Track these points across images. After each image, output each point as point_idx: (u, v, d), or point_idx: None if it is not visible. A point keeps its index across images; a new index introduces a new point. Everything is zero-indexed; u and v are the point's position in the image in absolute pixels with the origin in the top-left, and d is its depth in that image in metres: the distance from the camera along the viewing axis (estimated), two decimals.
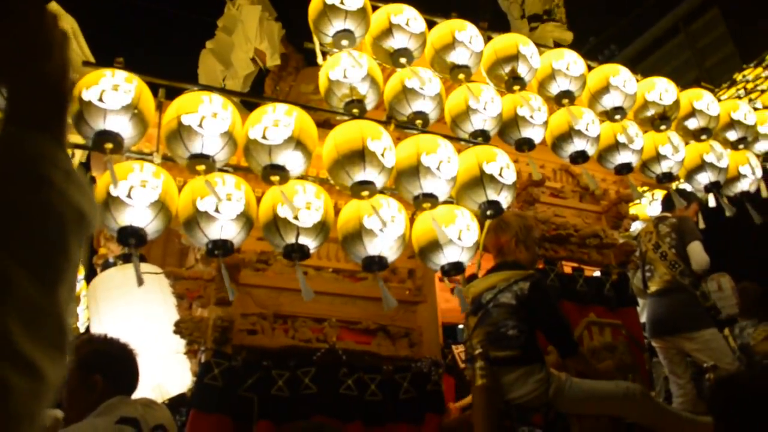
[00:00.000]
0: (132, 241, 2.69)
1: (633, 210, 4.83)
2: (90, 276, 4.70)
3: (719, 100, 4.36)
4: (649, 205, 5.27)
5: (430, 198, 3.05)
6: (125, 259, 3.90)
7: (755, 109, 4.39)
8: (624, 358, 3.82)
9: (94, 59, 3.70)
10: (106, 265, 3.88)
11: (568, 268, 4.31)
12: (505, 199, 3.19)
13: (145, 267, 3.81)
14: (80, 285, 4.58)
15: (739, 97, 5.18)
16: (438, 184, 3.04)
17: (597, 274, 4.43)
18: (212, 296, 3.43)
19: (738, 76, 5.63)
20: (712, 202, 4.19)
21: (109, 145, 2.68)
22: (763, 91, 4.82)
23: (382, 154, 2.92)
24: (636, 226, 5.06)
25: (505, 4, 5.03)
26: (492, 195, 3.15)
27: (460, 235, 3.10)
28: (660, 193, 5.24)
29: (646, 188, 5.11)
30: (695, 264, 4.20)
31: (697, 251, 4.19)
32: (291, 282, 3.57)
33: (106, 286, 3.74)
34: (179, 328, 3.37)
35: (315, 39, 3.50)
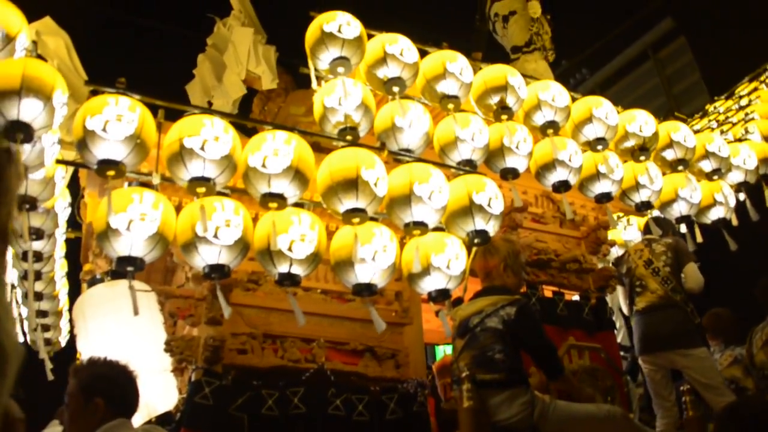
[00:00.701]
0: (130, 269, 2.74)
1: (609, 236, 4.98)
2: (74, 290, 4.71)
3: (694, 132, 4.55)
4: (624, 231, 5.43)
5: (421, 225, 3.15)
6: (113, 275, 3.93)
7: (728, 141, 4.57)
8: (604, 381, 3.95)
9: (87, 76, 3.76)
10: (93, 281, 3.90)
11: (548, 291, 4.45)
12: (492, 228, 3.30)
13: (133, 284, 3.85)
14: (63, 300, 4.59)
15: (711, 129, 5.38)
16: (429, 213, 3.14)
17: (576, 298, 4.56)
18: (203, 315, 3.48)
19: (709, 107, 5.84)
20: (683, 229, 4.36)
21: (111, 173, 2.73)
22: (734, 124, 5.01)
23: (375, 184, 3.01)
24: (614, 251, 5.21)
25: (498, 39, 5.18)
26: (480, 224, 3.26)
27: (448, 264, 3.19)
28: (635, 219, 5.42)
29: (621, 214, 5.27)
30: (693, 284, 4.34)
31: (694, 272, 4.34)
32: (280, 302, 3.64)
33: (94, 302, 3.76)
34: (170, 347, 3.41)
35: (310, 64, 3.58)
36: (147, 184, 2.92)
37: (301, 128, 3.50)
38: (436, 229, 3.27)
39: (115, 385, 2.33)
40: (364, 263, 3.02)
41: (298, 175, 2.89)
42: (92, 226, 4.06)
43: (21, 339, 5.05)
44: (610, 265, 4.83)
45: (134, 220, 2.70)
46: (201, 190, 2.82)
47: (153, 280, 4.34)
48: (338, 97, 3.39)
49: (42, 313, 4.39)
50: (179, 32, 5.81)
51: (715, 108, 5.69)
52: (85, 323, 3.75)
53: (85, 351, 3.76)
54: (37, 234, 3.50)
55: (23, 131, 2.72)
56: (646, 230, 4.81)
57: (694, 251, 4.34)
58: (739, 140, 4.74)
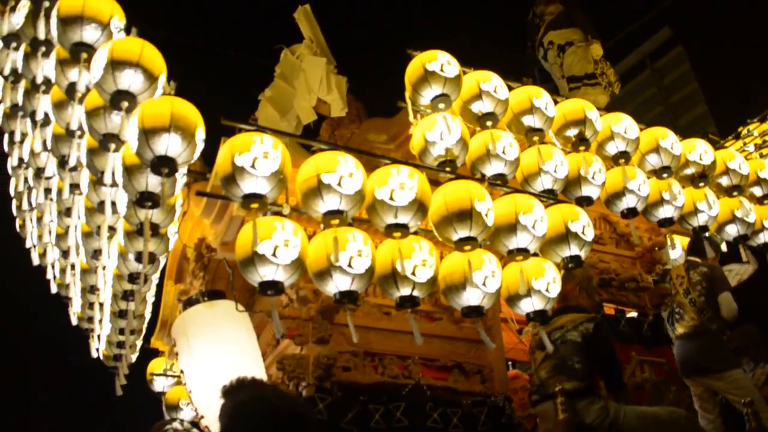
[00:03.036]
0: (270, 292, 2.96)
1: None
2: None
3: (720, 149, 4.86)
4: (671, 250, 5.72)
5: (524, 252, 3.41)
6: (210, 296, 4.13)
7: None
8: (668, 393, 4.26)
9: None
10: (190, 302, 4.09)
11: (609, 309, 4.73)
12: (584, 253, 3.58)
13: (230, 304, 4.07)
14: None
15: (748, 152, 5.71)
16: (531, 240, 3.40)
17: (633, 314, 4.85)
18: (311, 335, 3.70)
19: (742, 130, 6.16)
20: (744, 256, 4.68)
21: (255, 205, 2.95)
22: None
23: (486, 214, 3.26)
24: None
25: (547, 66, 5.47)
26: (575, 250, 3.53)
27: (548, 287, 3.46)
28: (678, 239, 5.71)
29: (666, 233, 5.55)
30: (726, 313, 4.66)
31: (728, 301, 4.66)
32: (378, 322, 3.91)
33: (196, 322, 3.95)
34: (282, 365, 3.63)
35: (407, 98, 3.82)
36: (278, 213, 3.13)
37: (377, 153, 3.75)
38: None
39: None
40: (475, 288, 3.27)
41: (421, 206, 3.14)
42: (193, 248, 4.26)
43: (95, 355, 5.23)
44: (666, 283, 5.12)
45: (279, 246, 2.92)
46: (335, 222, 3.05)
47: (239, 300, 4.54)
48: (440, 131, 3.64)
49: (122, 331, 4.57)
50: (241, 58, 6.01)
51: (749, 131, 6.00)
52: (187, 342, 3.94)
53: (188, 368, 3.95)
54: (151, 258, 3.70)
55: (168, 166, 2.93)
56: (690, 251, 5.12)
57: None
58: None
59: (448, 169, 3.65)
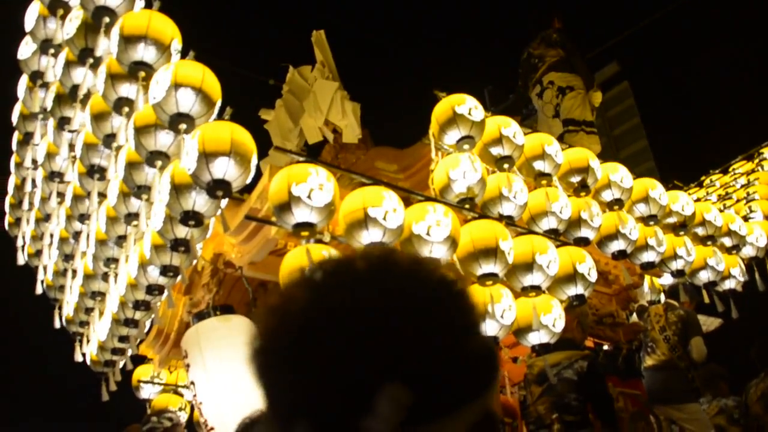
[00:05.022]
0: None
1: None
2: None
3: (694, 201, 5.31)
4: (646, 289, 6.14)
5: (536, 289, 3.68)
6: (222, 310, 4.23)
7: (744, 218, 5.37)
8: (646, 423, 4.61)
9: None
10: (201, 315, 4.17)
11: (588, 342, 5.06)
12: (588, 293, 3.88)
13: (243, 319, 4.19)
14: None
15: (712, 201, 6.20)
16: (544, 279, 3.68)
17: (605, 347, 5.21)
18: None
19: (705, 180, 6.67)
20: (706, 298, 5.11)
21: (305, 233, 3.12)
22: (737, 201, 5.84)
23: (508, 253, 3.52)
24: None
25: (539, 103, 5.79)
26: (580, 290, 3.84)
27: (554, 322, 3.75)
28: (652, 279, 6.14)
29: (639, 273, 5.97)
30: (696, 355, 5.09)
31: (699, 345, 5.09)
32: None
33: (210, 336, 4.04)
34: None
35: (431, 136, 4.04)
36: (320, 241, 3.29)
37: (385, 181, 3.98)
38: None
39: None
40: (494, 320, 3.52)
41: (454, 243, 3.37)
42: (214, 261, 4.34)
43: (81, 359, 5.20)
44: (634, 317, 5.51)
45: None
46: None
47: (239, 313, 4.64)
48: (463, 171, 3.87)
49: (124, 339, 4.60)
50: (243, 75, 6.11)
51: (711, 181, 6.51)
52: (201, 354, 4.01)
53: (201, 380, 4.03)
54: (176, 272, 3.79)
55: (224, 189, 3.07)
56: (668, 294, 5.57)
57: (720, 314, 5.08)
58: (745, 218, 5.53)
59: (467, 206, 3.88)
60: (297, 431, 0.60)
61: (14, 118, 4.48)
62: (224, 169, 3.03)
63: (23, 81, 4.24)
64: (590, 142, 5.39)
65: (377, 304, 0.63)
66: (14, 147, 4.70)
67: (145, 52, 3.18)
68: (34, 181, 4.65)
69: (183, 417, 4.65)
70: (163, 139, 3.28)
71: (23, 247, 5.31)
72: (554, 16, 6.06)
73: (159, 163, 3.30)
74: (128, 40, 3.16)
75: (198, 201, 3.21)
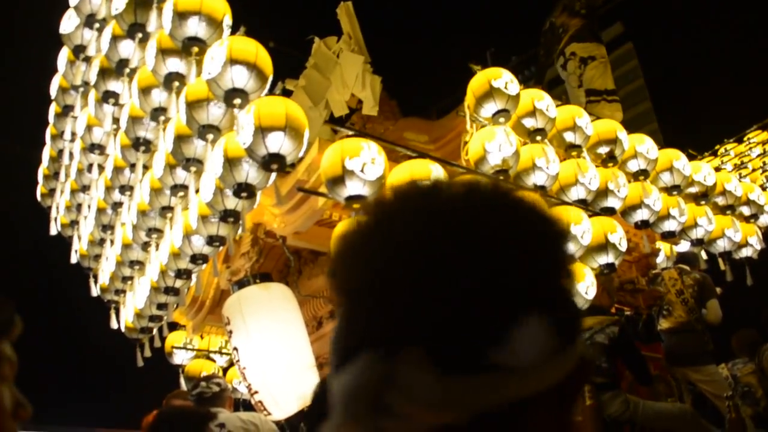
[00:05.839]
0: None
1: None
2: None
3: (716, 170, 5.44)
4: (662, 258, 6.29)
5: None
6: (262, 278, 4.36)
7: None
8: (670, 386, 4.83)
9: None
10: (241, 283, 4.31)
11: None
12: (618, 261, 4.04)
13: (281, 286, 4.33)
14: None
15: (727, 170, 6.33)
16: (578, 248, 3.82)
17: (627, 313, 5.38)
18: None
19: (720, 149, 6.80)
20: (721, 265, 5.27)
21: (356, 206, 3.23)
22: (754, 170, 5.97)
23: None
24: None
25: (564, 74, 5.87)
26: (611, 258, 3.98)
27: (587, 290, 3.90)
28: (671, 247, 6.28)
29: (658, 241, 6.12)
30: (713, 317, 5.24)
31: (715, 307, 5.24)
32: None
33: (251, 303, 4.18)
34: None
35: (466, 108, 4.13)
36: None
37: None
38: None
39: None
40: None
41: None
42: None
43: (116, 326, 5.35)
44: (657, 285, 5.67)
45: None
46: None
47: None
48: (499, 143, 3.97)
49: (162, 306, 4.73)
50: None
51: (726, 150, 6.63)
52: (244, 321, 4.16)
53: (244, 346, 4.18)
54: (222, 241, 3.90)
55: (279, 162, 3.18)
56: (678, 260, 5.71)
57: (730, 282, 5.24)
58: (763, 188, 5.67)
59: (501, 177, 4.00)
60: (408, 359, 0.54)
61: (53, 90, 4.54)
62: (279, 143, 3.13)
63: (63, 54, 4.29)
64: (612, 110, 5.48)
65: (508, 235, 0.59)
66: (51, 119, 4.76)
67: (198, 28, 3.25)
68: (71, 153, 4.73)
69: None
70: (214, 113, 3.37)
71: (56, 218, 5.41)
72: None
73: (210, 136, 3.39)
74: (182, 16, 3.23)
75: (251, 173, 3.31)
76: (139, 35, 3.55)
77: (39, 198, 5.51)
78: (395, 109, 5.30)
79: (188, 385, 5.41)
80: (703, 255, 5.49)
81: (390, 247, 0.59)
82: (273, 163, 3.16)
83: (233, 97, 3.18)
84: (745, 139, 6.68)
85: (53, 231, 5.50)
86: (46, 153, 5.11)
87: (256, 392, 4.14)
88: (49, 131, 4.90)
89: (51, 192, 5.34)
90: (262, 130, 3.10)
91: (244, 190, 3.34)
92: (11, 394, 0.98)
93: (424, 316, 0.56)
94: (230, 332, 4.26)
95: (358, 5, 5.51)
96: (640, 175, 4.65)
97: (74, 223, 5.24)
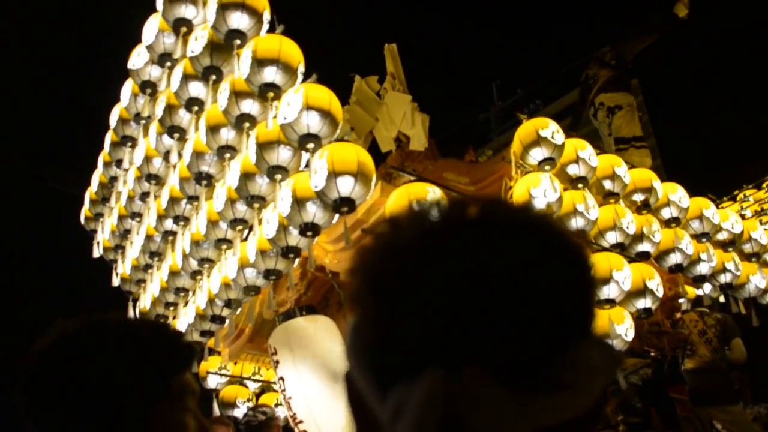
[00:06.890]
0: None
1: None
2: None
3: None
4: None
5: (611, 302, 3.99)
6: (308, 310, 4.51)
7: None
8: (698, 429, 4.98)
9: None
10: (288, 315, 4.45)
11: None
12: (654, 307, 4.21)
13: (327, 319, 4.47)
14: None
15: (743, 216, 6.53)
16: (619, 293, 3.99)
17: (652, 354, 5.54)
18: None
19: (739, 195, 6.99)
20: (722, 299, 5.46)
21: None
22: None
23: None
24: None
25: (595, 123, 6.10)
26: (649, 303, 4.16)
27: (626, 332, 4.06)
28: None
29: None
30: (738, 356, 5.39)
31: (739, 345, 5.40)
32: None
33: (298, 335, 4.31)
34: None
35: (512, 154, 4.32)
36: None
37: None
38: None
39: None
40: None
41: None
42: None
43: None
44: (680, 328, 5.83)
45: None
46: None
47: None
48: (544, 189, 4.16)
49: (205, 333, 4.86)
50: None
51: (745, 196, 6.83)
52: (291, 352, 4.29)
53: (291, 377, 4.30)
54: (277, 275, 4.05)
55: (349, 206, 3.35)
56: (695, 303, 5.89)
57: (756, 327, 5.41)
58: None
59: None
60: (476, 375, 0.54)
61: (112, 120, 4.72)
62: (351, 187, 3.31)
63: (127, 87, 4.47)
64: (641, 157, 5.70)
65: (565, 257, 0.61)
66: (106, 147, 4.93)
67: (276, 75, 3.43)
68: (125, 180, 4.88)
69: (279, 412, 4.91)
70: (284, 155, 3.55)
71: (99, 241, 5.55)
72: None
73: (279, 176, 3.57)
74: (261, 63, 3.42)
75: (317, 214, 3.48)
76: (213, 77, 3.72)
77: (83, 221, 5.65)
78: (434, 148, 5.48)
79: (222, 411, 5.53)
80: (724, 299, 5.68)
81: (453, 262, 0.58)
82: (344, 206, 3.34)
83: (307, 141, 3.36)
84: (764, 185, 6.88)
85: (95, 254, 5.63)
86: (96, 178, 5.26)
87: (300, 422, 4.26)
88: (102, 157, 5.07)
89: (96, 216, 5.49)
90: (335, 174, 3.27)
91: (310, 230, 3.51)
92: (195, 423, 1.06)
93: (490, 334, 0.56)
94: (276, 362, 4.39)
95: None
96: (672, 222, 4.84)
97: (118, 248, 5.38)
